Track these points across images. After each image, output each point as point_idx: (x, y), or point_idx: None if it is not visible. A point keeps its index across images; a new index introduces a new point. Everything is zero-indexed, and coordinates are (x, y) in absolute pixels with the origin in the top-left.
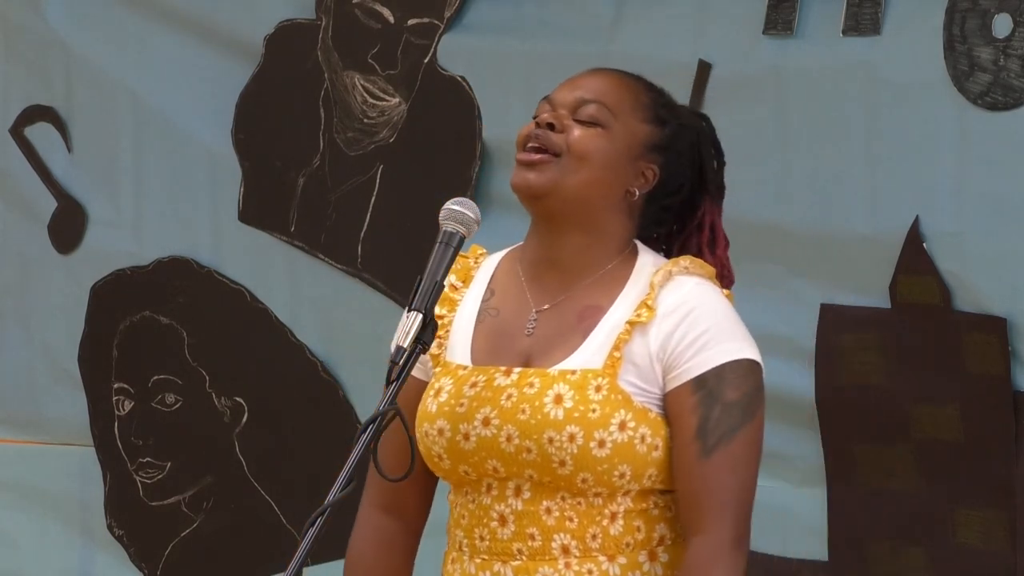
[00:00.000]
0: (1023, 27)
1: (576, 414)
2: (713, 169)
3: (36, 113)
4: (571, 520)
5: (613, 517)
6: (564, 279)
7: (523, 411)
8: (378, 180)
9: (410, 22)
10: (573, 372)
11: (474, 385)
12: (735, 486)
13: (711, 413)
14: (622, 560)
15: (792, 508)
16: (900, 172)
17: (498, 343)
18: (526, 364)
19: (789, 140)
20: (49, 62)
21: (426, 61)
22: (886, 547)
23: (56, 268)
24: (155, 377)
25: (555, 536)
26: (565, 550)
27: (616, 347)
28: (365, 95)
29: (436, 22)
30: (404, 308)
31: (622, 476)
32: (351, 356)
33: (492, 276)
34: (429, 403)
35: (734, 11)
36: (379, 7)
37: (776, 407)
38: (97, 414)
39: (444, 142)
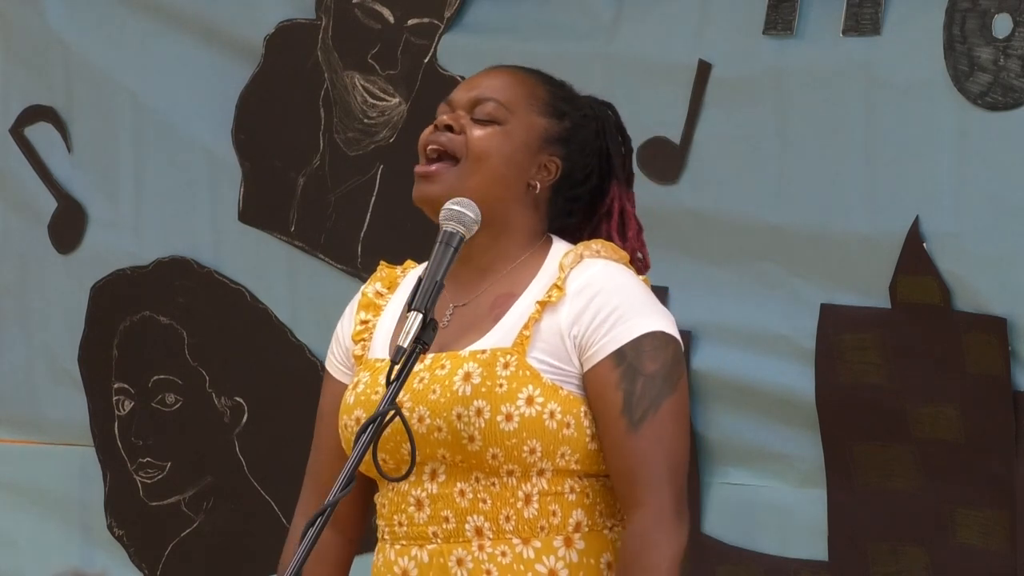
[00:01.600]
0: (1023, 27)
1: (483, 389)
2: (620, 155)
3: (36, 113)
4: (484, 502)
5: (527, 499)
6: (478, 275)
7: (433, 391)
8: (378, 180)
9: (410, 22)
10: (483, 352)
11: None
12: (666, 456)
13: (634, 387)
14: (537, 544)
15: (792, 508)
16: (900, 172)
17: None
18: (440, 352)
19: (789, 140)
20: (49, 62)
21: (426, 61)
22: (886, 547)
23: (56, 268)
24: (155, 377)
25: (468, 518)
26: (479, 532)
27: (526, 326)
28: (365, 95)
29: (436, 22)
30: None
31: (532, 452)
32: None
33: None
34: (348, 396)
35: (734, 11)
36: (379, 7)
37: (776, 407)
38: (97, 414)
39: None
